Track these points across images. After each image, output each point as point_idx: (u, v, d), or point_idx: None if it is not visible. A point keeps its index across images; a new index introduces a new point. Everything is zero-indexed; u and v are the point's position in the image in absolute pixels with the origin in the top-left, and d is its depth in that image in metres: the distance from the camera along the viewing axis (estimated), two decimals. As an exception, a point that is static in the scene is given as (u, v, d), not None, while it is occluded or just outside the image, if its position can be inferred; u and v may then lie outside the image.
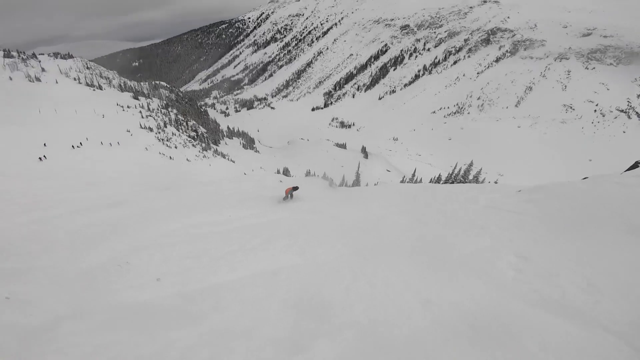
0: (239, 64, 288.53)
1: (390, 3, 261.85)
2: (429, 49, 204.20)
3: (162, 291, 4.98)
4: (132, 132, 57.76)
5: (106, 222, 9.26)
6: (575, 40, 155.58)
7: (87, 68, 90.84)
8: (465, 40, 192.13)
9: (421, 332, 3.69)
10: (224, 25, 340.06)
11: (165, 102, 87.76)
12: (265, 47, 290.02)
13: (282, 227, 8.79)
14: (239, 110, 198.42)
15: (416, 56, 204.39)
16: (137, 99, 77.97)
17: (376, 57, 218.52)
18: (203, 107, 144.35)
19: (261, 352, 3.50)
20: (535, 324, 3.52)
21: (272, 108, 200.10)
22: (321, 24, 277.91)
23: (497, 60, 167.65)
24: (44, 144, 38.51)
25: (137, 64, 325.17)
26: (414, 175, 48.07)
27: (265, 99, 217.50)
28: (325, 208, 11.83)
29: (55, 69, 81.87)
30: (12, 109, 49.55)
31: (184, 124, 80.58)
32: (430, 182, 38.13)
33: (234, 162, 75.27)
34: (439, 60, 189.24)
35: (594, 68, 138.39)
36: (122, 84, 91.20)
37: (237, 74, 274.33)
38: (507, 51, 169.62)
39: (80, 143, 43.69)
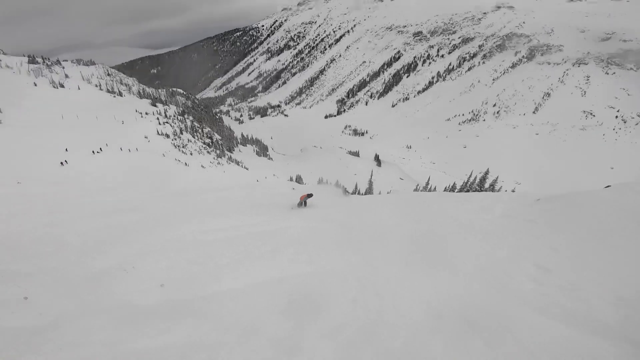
0: (252, 71, 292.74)
1: (403, 10, 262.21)
2: (442, 56, 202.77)
3: (164, 296, 4.97)
4: (149, 138, 59.05)
5: (118, 227, 9.42)
6: (594, 45, 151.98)
7: (108, 75, 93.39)
8: (480, 46, 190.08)
9: (431, 348, 3.51)
10: (238, 33, 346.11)
11: (181, 109, 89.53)
12: (278, 54, 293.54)
13: (291, 235, 8.70)
14: (253, 118, 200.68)
15: (429, 63, 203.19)
16: (155, 105, 79.76)
17: (389, 64, 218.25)
18: (218, 114, 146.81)
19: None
20: (560, 341, 3.30)
21: (285, 115, 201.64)
22: (334, 32, 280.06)
23: (513, 66, 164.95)
24: (66, 149, 39.68)
25: (155, 71, 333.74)
26: (427, 183, 47.35)
27: (278, 106, 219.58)
28: (337, 216, 11.71)
29: (78, 75, 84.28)
30: (37, 115, 51.40)
31: (200, 130, 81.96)
32: (444, 190, 37.51)
33: (247, 169, 75.88)
34: (453, 67, 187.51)
35: (614, 73, 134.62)
36: (141, 91, 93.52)
37: (251, 82, 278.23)
38: (523, 57, 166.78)
39: (100, 149, 44.85)
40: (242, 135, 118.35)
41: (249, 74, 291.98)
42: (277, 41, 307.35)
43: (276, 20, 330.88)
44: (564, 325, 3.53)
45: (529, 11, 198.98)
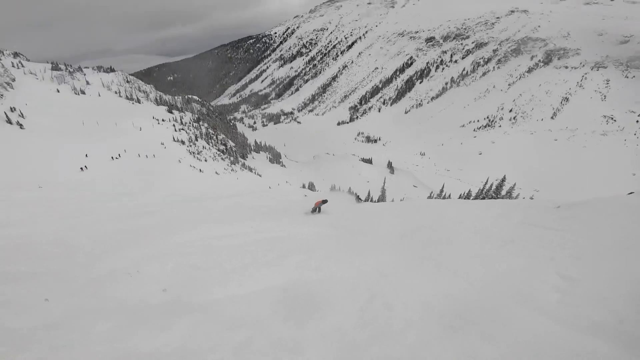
0: (266, 78, 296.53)
1: (414, 16, 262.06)
2: (456, 61, 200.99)
3: (166, 300, 4.98)
4: (165, 145, 60.34)
5: (131, 231, 9.60)
6: (613, 48, 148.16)
7: (127, 82, 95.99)
8: (494, 51, 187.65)
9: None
10: (251, 40, 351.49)
11: (197, 115, 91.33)
12: (291, 61, 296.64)
13: (300, 242, 8.64)
14: (266, 125, 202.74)
15: (443, 68, 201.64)
16: (171, 112, 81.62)
17: (401, 70, 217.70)
18: (232, 121, 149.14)
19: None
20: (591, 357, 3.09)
21: (298, 122, 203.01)
22: (345, 38, 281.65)
23: (530, 70, 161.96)
24: (86, 155, 40.93)
25: (171, 78, 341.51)
26: (442, 190, 46.59)
27: (291, 113, 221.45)
28: (348, 223, 11.64)
29: (98, 82, 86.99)
30: (59, 121, 53.25)
31: (214, 137, 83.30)
32: (459, 197, 36.85)
33: (260, 176, 76.54)
34: (466, 72, 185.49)
35: (634, 77, 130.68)
36: (158, 98, 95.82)
37: (265, 89, 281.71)
38: (539, 61, 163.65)
39: (119, 155, 46.08)
40: (256, 142, 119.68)
41: (262, 81, 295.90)
42: (289, 48, 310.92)
43: (288, 28, 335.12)
44: (594, 338, 3.32)
45: (544, 15, 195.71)
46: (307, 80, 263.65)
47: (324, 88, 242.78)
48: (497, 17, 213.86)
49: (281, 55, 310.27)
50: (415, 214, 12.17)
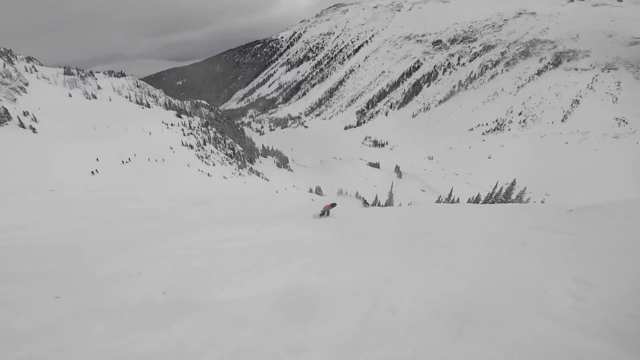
0: (273, 82, 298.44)
1: (420, 19, 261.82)
2: (463, 64, 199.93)
3: (164, 301, 4.98)
4: (174, 149, 60.99)
5: (136, 233, 9.68)
6: (623, 50, 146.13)
7: (137, 86, 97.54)
8: (502, 54, 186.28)
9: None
10: (258, 45, 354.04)
11: (205, 120, 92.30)
12: (298, 65, 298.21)
13: (305, 245, 8.59)
14: (274, 129, 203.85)
15: (450, 71, 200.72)
16: (180, 117, 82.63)
17: (408, 73, 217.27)
18: (240, 126, 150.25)
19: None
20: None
21: (305, 127, 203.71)
22: (352, 42, 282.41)
23: (539, 73, 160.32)
24: (97, 159, 41.52)
25: (180, 82, 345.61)
26: (450, 195, 46.07)
27: (298, 117, 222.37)
28: (354, 227, 11.57)
29: (109, 86, 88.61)
30: (71, 125, 54.27)
31: (222, 142, 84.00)
32: (468, 202, 36.41)
33: (268, 180, 76.78)
34: (474, 75, 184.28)
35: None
36: (167, 102, 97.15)
37: (272, 93, 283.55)
38: (549, 63, 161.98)
39: (129, 159, 46.66)
40: (263, 146, 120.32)
41: (270, 85, 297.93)
42: (296, 52, 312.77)
43: (295, 32, 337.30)
44: (614, 346, 3.15)
45: (552, 17, 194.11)
46: (314, 85, 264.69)
47: (331, 92, 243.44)
48: (505, 20, 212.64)
49: (288, 59, 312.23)
50: (422, 218, 12.05)
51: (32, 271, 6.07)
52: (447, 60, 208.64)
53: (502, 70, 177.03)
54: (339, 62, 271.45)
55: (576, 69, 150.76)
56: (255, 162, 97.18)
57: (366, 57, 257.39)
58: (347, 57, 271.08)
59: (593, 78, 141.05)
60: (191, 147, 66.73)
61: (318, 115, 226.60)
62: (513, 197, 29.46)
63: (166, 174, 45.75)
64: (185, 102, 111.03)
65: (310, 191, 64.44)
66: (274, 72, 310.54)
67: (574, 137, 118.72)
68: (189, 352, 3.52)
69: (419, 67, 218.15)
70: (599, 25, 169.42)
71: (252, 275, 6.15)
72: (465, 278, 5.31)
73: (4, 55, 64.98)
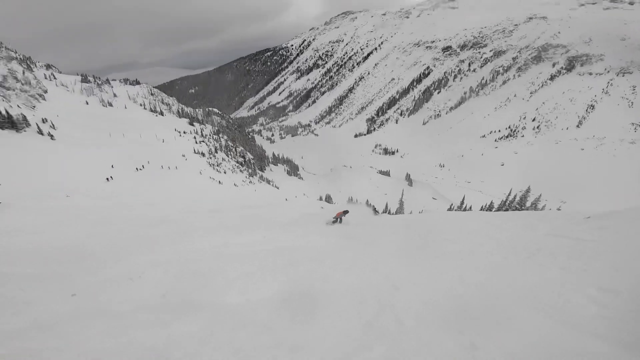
0: (283, 90, 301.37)
1: (429, 25, 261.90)
2: (474, 70, 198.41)
3: (162, 304, 4.98)
4: (187, 156, 61.92)
5: (145, 238, 9.78)
6: (637, 53, 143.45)
7: (151, 94, 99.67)
8: (514, 59, 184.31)
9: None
10: (269, 53, 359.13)
11: (217, 128, 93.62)
12: (308, 73, 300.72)
13: (311, 251, 8.54)
14: (284, 137, 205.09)
15: (461, 78, 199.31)
16: (193, 125, 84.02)
17: (418, 80, 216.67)
18: (250, 134, 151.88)
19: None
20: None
21: (315, 135, 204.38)
22: (361, 49, 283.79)
23: (552, 78, 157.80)
24: (112, 166, 42.37)
25: (193, 90, 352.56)
26: (462, 203, 45.41)
27: (309, 125, 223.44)
28: (363, 234, 11.48)
29: (125, 94, 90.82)
30: (88, 133, 55.65)
31: (233, 150, 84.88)
32: (480, 210, 35.75)
33: (278, 188, 76.97)
34: (486, 81, 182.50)
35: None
36: (180, 110, 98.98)
37: (282, 101, 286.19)
38: (562, 68, 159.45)
39: (143, 166, 47.47)
40: (274, 154, 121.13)
41: (280, 93, 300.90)
42: (306, 60, 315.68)
43: (305, 40, 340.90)
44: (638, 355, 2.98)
45: (563, 21, 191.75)
46: (323, 92, 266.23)
47: (341, 100, 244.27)
48: (515, 25, 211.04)
49: (298, 67, 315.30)
50: (433, 225, 11.83)
51: (36, 272, 6.18)
52: (458, 66, 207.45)
53: (514, 75, 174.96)
54: (349, 70, 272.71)
55: (590, 74, 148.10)
56: (265, 170, 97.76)
57: (375, 64, 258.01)
58: (357, 64, 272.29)
59: (608, 82, 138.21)
60: (203, 154, 67.60)
61: (328, 123, 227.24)
62: (528, 204, 28.77)
63: (178, 181, 46.33)
64: (197, 110, 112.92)
65: (320, 199, 64.39)
66: (284, 79, 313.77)
67: (590, 143, 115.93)
68: (184, 352, 3.51)
69: (428, 73, 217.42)
70: (612, 28, 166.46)
71: (253, 280, 6.11)
72: (479, 286, 5.14)
73: (24, 62, 66.97)
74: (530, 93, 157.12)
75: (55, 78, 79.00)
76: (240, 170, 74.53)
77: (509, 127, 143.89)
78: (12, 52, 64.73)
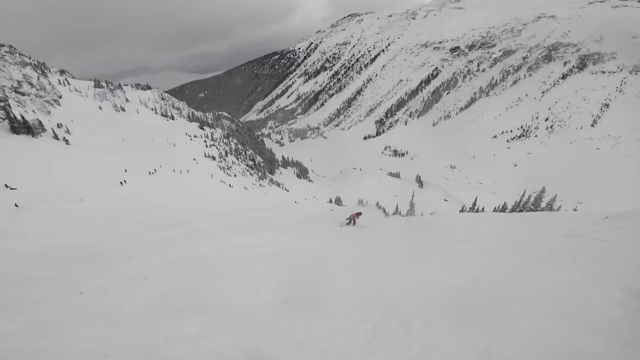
0: (292, 93, 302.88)
1: (436, 26, 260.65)
2: (483, 70, 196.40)
3: (164, 307, 4.96)
4: (197, 160, 62.67)
5: (154, 240, 9.88)
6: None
7: (162, 99, 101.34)
8: (524, 58, 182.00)
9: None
10: (276, 56, 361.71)
11: (226, 132, 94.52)
12: (315, 76, 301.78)
13: (318, 253, 8.45)
14: (293, 140, 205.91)
15: (470, 78, 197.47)
16: (203, 128, 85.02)
17: (427, 81, 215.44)
18: (260, 137, 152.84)
19: None
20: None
21: (324, 137, 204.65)
22: (368, 51, 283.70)
23: (564, 77, 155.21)
24: (125, 170, 43.14)
25: (203, 95, 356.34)
26: (474, 204, 44.57)
27: (317, 128, 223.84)
28: (373, 235, 11.39)
29: (137, 99, 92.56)
30: (102, 137, 56.92)
31: (243, 153, 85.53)
32: (494, 211, 35.13)
33: (288, 191, 77.20)
34: (496, 81, 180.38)
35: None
36: (190, 114, 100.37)
37: (291, 104, 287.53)
38: (573, 67, 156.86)
39: (155, 170, 48.20)
40: (283, 157, 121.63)
41: (288, 96, 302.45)
42: (313, 63, 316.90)
43: (311, 43, 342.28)
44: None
45: (572, 19, 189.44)
46: (332, 95, 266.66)
47: (349, 102, 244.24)
48: (524, 24, 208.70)
49: (306, 70, 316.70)
50: (445, 227, 11.63)
51: (43, 274, 6.29)
52: (466, 66, 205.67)
53: (524, 75, 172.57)
54: (356, 72, 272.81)
55: (603, 72, 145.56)
56: (275, 173, 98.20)
57: (383, 66, 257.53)
58: (364, 66, 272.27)
59: (622, 80, 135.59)
60: (213, 158, 68.29)
61: (337, 125, 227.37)
62: (543, 205, 28.13)
63: (190, 185, 46.85)
64: (207, 114, 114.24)
65: (330, 201, 64.18)
66: (292, 83, 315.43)
67: (605, 143, 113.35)
68: (184, 352, 3.50)
69: (437, 74, 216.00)
70: (622, 26, 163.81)
71: (257, 283, 6.06)
72: (493, 288, 4.93)
73: (38, 68, 68.64)
74: (542, 92, 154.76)
75: (69, 83, 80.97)
76: (250, 174, 75.04)
77: (521, 127, 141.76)
78: (26, 58, 66.53)
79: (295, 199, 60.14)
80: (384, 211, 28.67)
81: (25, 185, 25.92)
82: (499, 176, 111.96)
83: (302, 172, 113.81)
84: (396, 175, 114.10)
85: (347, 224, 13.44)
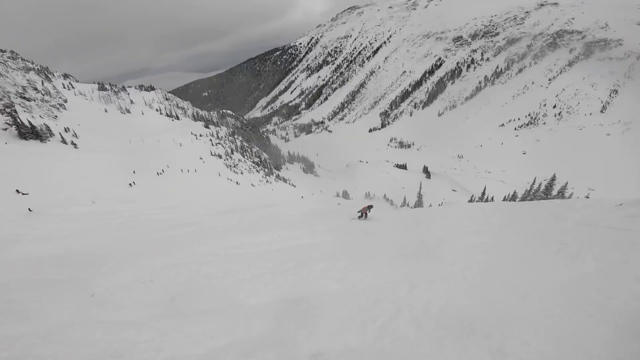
0: (295, 89, 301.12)
1: (438, 16, 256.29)
2: (488, 59, 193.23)
3: (169, 310, 4.97)
4: (204, 159, 63.03)
5: (163, 241, 9.98)
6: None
7: (166, 99, 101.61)
8: (529, 46, 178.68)
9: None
10: (278, 52, 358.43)
11: (232, 129, 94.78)
12: (318, 70, 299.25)
13: (326, 249, 8.37)
14: (298, 135, 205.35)
15: (475, 67, 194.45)
16: (208, 127, 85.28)
17: (431, 72, 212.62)
18: (265, 134, 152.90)
19: None
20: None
21: (329, 131, 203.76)
22: (370, 44, 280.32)
23: (570, 64, 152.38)
24: (133, 171, 43.56)
25: (206, 93, 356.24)
26: (483, 193, 44.13)
27: (322, 122, 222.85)
28: (381, 229, 11.25)
29: (141, 100, 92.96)
30: (109, 140, 57.39)
31: (249, 150, 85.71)
32: (503, 200, 34.76)
33: (294, 186, 77.29)
34: (501, 70, 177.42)
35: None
36: (195, 114, 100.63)
37: (294, 99, 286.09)
38: (579, 54, 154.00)
39: (162, 170, 48.59)
40: (289, 153, 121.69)
41: (292, 92, 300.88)
42: (315, 58, 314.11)
43: (312, 37, 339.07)
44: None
45: (576, 7, 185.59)
46: (335, 89, 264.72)
47: (353, 95, 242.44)
48: (527, 12, 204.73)
49: (308, 65, 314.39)
50: (454, 218, 11.51)
51: (54, 278, 6.38)
52: (470, 56, 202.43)
53: (530, 63, 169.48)
54: (359, 65, 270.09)
55: (610, 58, 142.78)
56: (281, 168, 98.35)
57: (386, 58, 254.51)
58: (367, 59, 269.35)
59: (629, 67, 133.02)
60: (220, 156, 68.57)
61: (341, 119, 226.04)
62: (554, 193, 27.73)
63: (197, 184, 47.17)
64: (212, 112, 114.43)
65: (337, 195, 64.17)
66: (295, 78, 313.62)
67: (616, 128, 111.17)
68: (186, 354, 3.51)
69: (441, 64, 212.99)
70: (627, 13, 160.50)
71: (263, 282, 6.03)
72: (505, 282, 4.80)
73: (42, 73, 68.97)
74: (549, 80, 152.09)
75: (73, 87, 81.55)
76: (257, 170, 75.24)
77: (529, 114, 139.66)
78: (29, 63, 66.90)
79: (302, 194, 60.23)
80: (392, 203, 28.56)
81: (37, 189, 26.34)
82: (508, 165, 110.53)
83: (308, 167, 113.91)
84: (403, 167, 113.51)
85: (359, 217, 13.48)
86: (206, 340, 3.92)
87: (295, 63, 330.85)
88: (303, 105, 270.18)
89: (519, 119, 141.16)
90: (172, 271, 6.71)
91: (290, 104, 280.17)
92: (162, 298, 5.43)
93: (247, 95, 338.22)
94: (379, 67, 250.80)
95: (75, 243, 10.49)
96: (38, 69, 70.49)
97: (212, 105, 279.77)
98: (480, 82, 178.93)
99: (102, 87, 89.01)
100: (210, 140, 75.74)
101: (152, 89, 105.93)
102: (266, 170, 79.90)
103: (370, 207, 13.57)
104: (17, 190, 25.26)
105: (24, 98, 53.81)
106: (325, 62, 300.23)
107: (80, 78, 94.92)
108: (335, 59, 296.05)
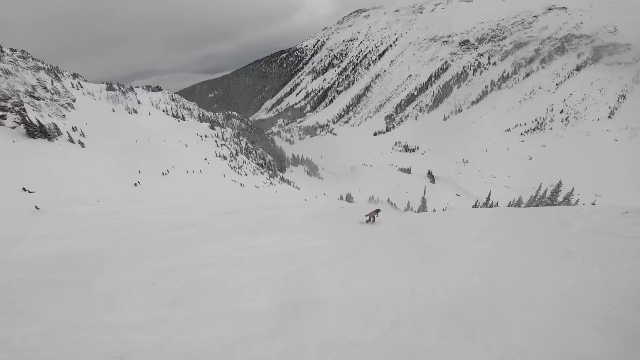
0: (300, 91, 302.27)
1: (444, 20, 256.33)
2: (494, 63, 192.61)
3: (169, 313, 4.96)
4: (209, 160, 63.29)
5: (166, 242, 9.97)
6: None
7: (173, 100, 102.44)
8: (536, 51, 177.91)
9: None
10: (284, 55, 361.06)
11: (237, 131, 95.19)
12: (323, 73, 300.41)
13: (328, 254, 8.32)
14: (303, 138, 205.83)
15: (481, 71, 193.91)
16: (213, 128, 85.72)
17: (436, 75, 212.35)
18: (270, 136, 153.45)
19: None
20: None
21: (334, 134, 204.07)
22: (376, 47, 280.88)
23: (578, 68, 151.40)
24: (139, 171, 43.82)
25: (212, 95, 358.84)
26: (488, 199, 43.77)
27: (327, 125, 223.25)
28: (382, 233, 11.17)
29: (148, 101, 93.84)
30: (116, 140, 57.85)
31: (253, 152, 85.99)
32: (508, 206, 34.48)
33: (298, 189, 77.29)
34: (508, 74, 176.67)
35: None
36: (200, 115, 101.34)
37: (300, 102, 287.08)
38: (588, 58, 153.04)
39: (168, 170, 48.82)
40: (293, 155, 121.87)
41: (297, 94, 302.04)
42: (321, 60, 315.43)
43: (318, 40, 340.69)
44: None
45: (584, 11, 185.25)
46: (340, 92, 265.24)
47: (358, 98, 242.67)
48: (534, 16, 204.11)
49: (313, 67, 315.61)
50: (458, 223, 11.41)
51: (57, 278, 6.38)
52: (477, 60, 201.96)
53: (537, 67, 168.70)
54: (365, 68, 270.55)
55: (619, 63, 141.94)
56: (285, 171, 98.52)
57: (391, 61, 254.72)
58: (372, 62, 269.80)
59: (638, 71, 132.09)
60: (224, 158, 68.86)
61: (346, 122, 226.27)
62: (560, 199, 27.45)
63: (202, 185, 47.32)
64: (217, 113, 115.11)
65: (341, 198, 64.08)
66: (301, 80, 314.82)
67: (623, 134, 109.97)
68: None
69: (447, 68, 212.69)
70: (635, 18, 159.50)
71: (265, 286, 6.01)
72: (509, 290, 4.73)
73: (51, 72, 69.73)
74: (556, 84, 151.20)
75: (81, 87, 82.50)
76: (261, 172, 75.42)
77: (536, 119, 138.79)
78: (39, 62, 67.79)
79: (306, 197, 60.22)
80: (396, 207, 28.51)
81: (44, 188, 26.54)
82: (513, 170, 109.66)
83: (312, 170, 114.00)
84: (407, 171, 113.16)
85: (367, 221, 13.43)
86: (208, 344, 3.91)
87: (301, 65, 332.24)
88: (308, 108, 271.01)
89: (525, 123, 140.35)
90: (174, 273, 6.70)
91: (295, 107, 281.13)
92: (162, 301, 5.43)
93: (252, 97, 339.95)
94: (385, 71, 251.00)
95: (79, 243, 10.53)
96: (48, 68, 71.39)
97: (218, 106, 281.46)
98: (486, 87, 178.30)
99: (110, 87, 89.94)
100: (216, 141, 76.12)
101: (159, 89, 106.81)
102: (270, 172, 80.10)
103: (377, 211, 13.52)
104: (23, 189, 25.49)
105: (33, 97, 54.45)
106: (331, 65, 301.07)
107: (89, 78, 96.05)
108: (341, 61, 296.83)
